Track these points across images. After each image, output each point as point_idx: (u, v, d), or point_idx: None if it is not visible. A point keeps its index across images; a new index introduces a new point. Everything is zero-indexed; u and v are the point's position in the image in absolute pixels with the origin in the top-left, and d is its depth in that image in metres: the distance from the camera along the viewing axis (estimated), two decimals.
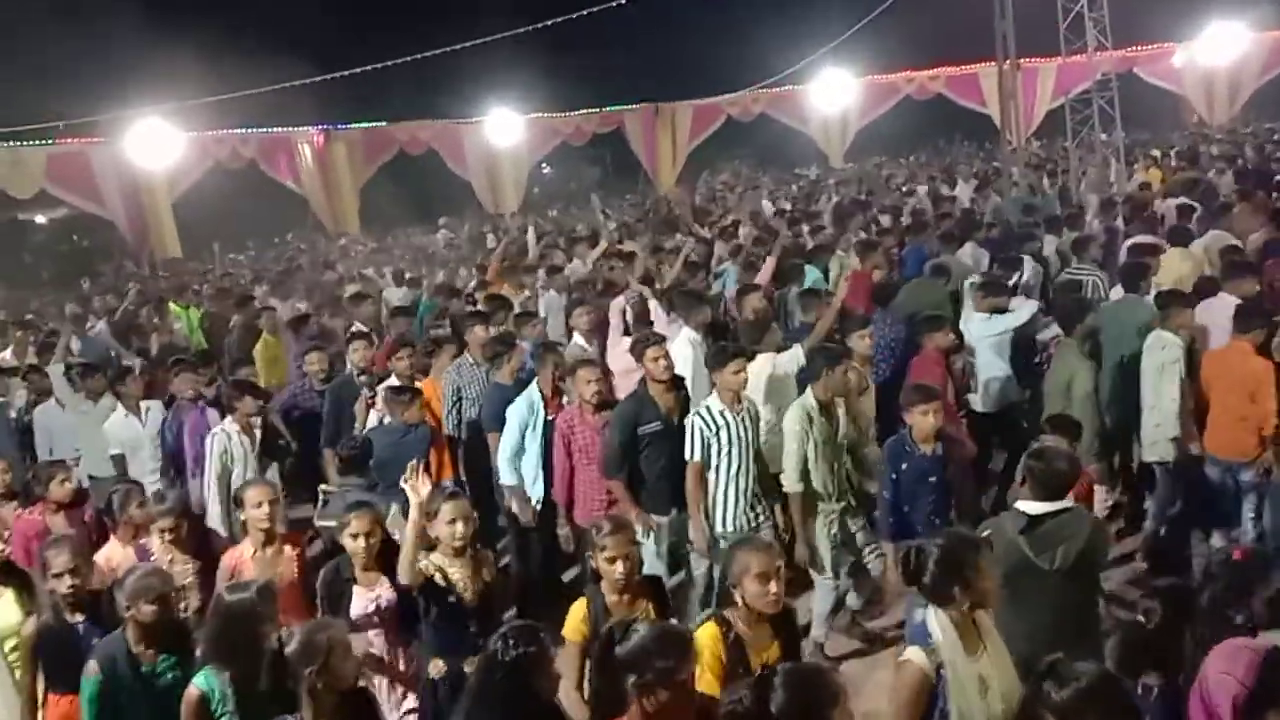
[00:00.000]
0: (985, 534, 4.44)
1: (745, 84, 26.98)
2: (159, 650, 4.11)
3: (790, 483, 5.68)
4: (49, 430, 8.37)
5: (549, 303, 10.34)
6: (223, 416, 7.38)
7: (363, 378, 7.88)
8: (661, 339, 6.35)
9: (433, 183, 26.82)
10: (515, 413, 6.60)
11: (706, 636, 3.59)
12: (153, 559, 5.10)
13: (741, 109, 27.30)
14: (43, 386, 8.87)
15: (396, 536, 5.55)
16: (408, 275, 13.44)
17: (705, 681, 3.43)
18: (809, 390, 5.88)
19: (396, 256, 16.71)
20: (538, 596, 6.45)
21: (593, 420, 6.21)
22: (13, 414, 9.04)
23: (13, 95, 19.22)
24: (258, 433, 7.21)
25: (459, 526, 4.48)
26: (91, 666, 4.00)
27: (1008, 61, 16.81)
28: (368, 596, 4.68)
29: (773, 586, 3.66)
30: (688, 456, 5.79)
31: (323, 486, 6.82)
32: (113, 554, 5.31)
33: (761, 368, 6.73)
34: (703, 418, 5.78)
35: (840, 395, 5.94)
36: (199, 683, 3.79)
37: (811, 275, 9.88)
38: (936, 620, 3.34)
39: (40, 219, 30.13)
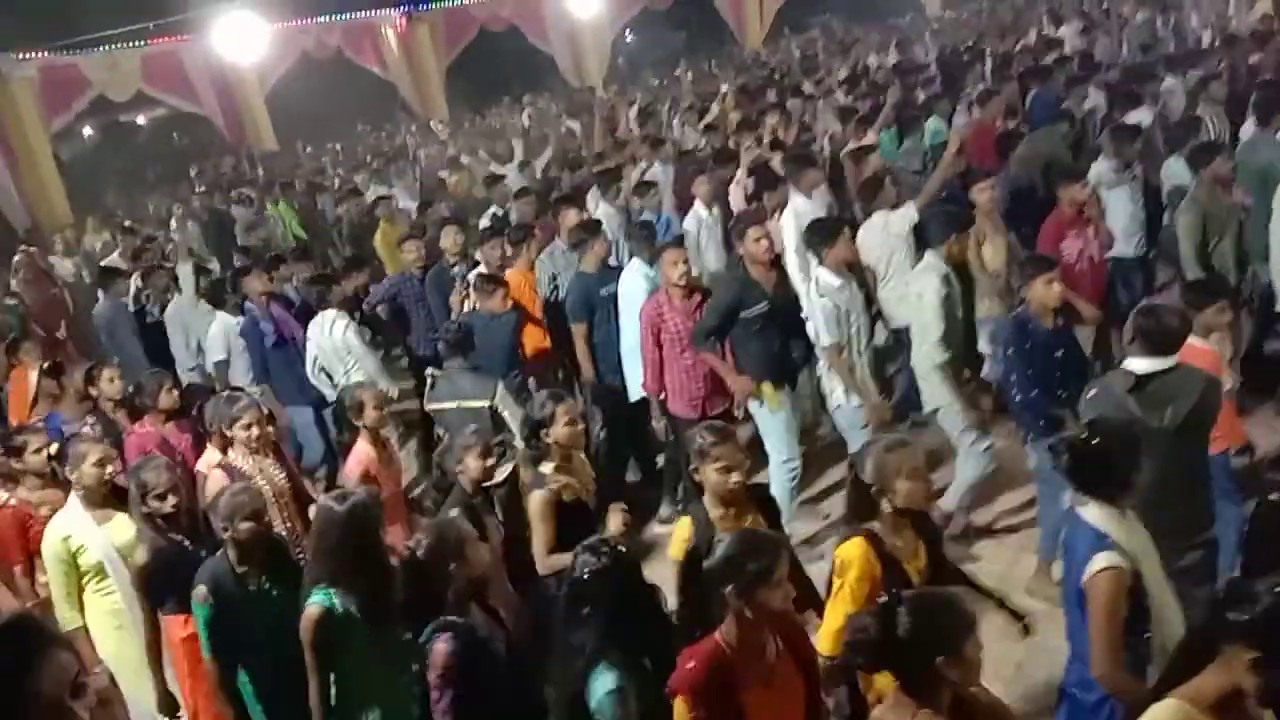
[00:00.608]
0: (1092, 393, 4.42)
1: None
2: (263, 568, 4.04)
3: (940, 353, 5.53)
4: (186, 327, 8.60)
5: (655, 176, 10.24)
6: (308, 316, 7.49)
7: (455, 267, 7.97)
8: (762, 218, 6.27)
9: (517, 60, 26.49)
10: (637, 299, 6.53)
11: (856, 553, 3.44)
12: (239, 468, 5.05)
13: None
14: (162, 284, 9.13)
15: (506, 415, 5.82)
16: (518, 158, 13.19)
17: (857, 602, 3.33)
18: (934, 253, 5.74)
19: (491, 135, 16.57)
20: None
21: (681, 305, 6.11)
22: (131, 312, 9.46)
23: (102, 4, 19.51)
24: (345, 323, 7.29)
25: (578, 426, 4.42)
26: (201, 592, 3.94)
27: None
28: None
29: (927, 480, 3.59)
30: (822, 339, 5.73)
31: (430, 370, 7.04)
32: (210, 461, 5.31)
33: (875, 226, 6.69)
34: (824, 294, 5.70)
35: (963, 259, 5.84)
36: (320, 599, 3.60)
37: (934, 128, 9.65)
38: (1105, 519, 3.28)
39: (140, 120, 30.85)
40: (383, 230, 10.41)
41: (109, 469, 4.78)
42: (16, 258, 11.90)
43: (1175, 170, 7.29)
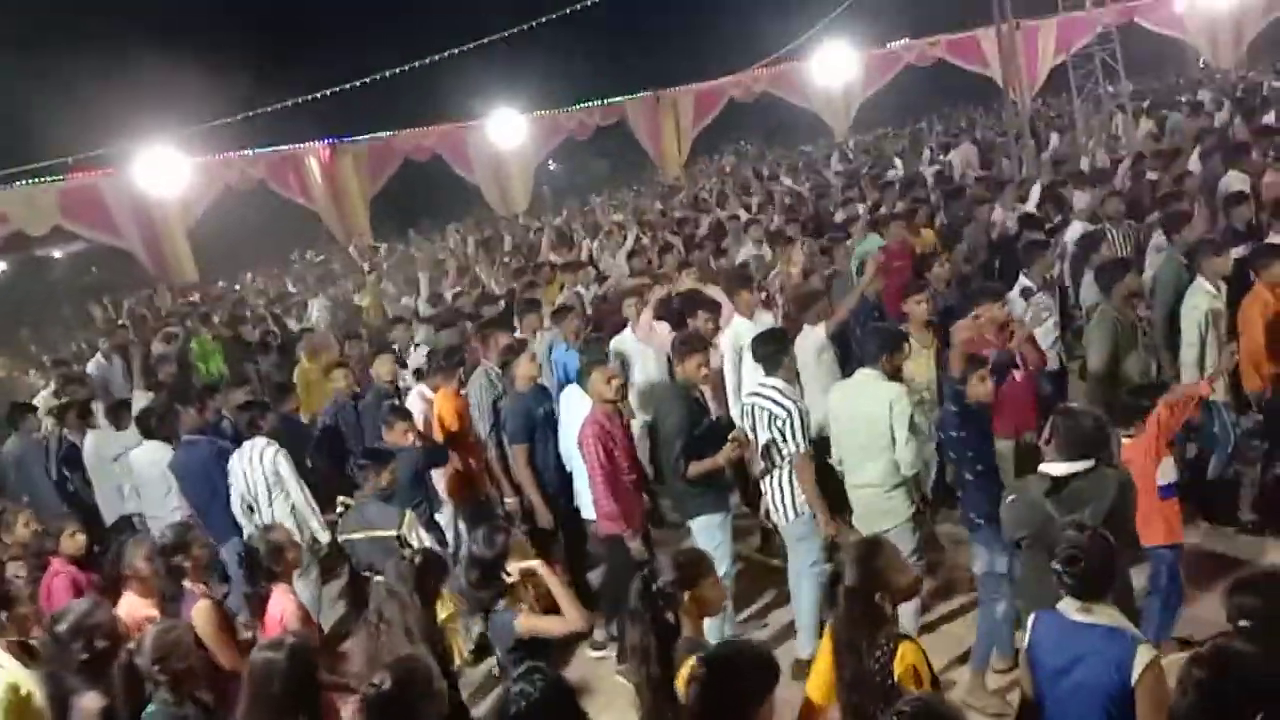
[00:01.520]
0: (1011, 498, 4.51)
1: (745, 65, 26.91)
2: (194, 703, 3.96)
3: (908, 467, 5.57)
4: (92, 462, 8.46)
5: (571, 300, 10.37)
6: (237, 444, 7.30)
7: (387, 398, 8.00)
8: (704, 345, 6.30)
9: (442, 188, 26.92)
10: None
11: (917, 657, 3.37)
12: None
13: (743, 90, 27.19)
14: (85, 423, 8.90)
15: (414, 540, 5.72)
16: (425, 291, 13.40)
17: None
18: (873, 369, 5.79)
19: (406, 263, 16.72)
20: None
21: (617, 422, 6.21)
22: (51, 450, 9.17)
23: (20, 134, 19.44)
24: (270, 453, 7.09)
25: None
26: None
27: (1005, 23, 16.70)
28: None
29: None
30: (795, 447, 5.75)
31: (340, 499, 6.88)
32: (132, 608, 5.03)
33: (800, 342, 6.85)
34: (793, 400, 5.84)
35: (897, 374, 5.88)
36: None
37: (860, 249, 9.91)
38: (1119, 619, 3.33)
39: (56, 254, 30.45)
40: (303, 366, 10.32)
41: None
42: None
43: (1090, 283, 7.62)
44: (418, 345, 9.89)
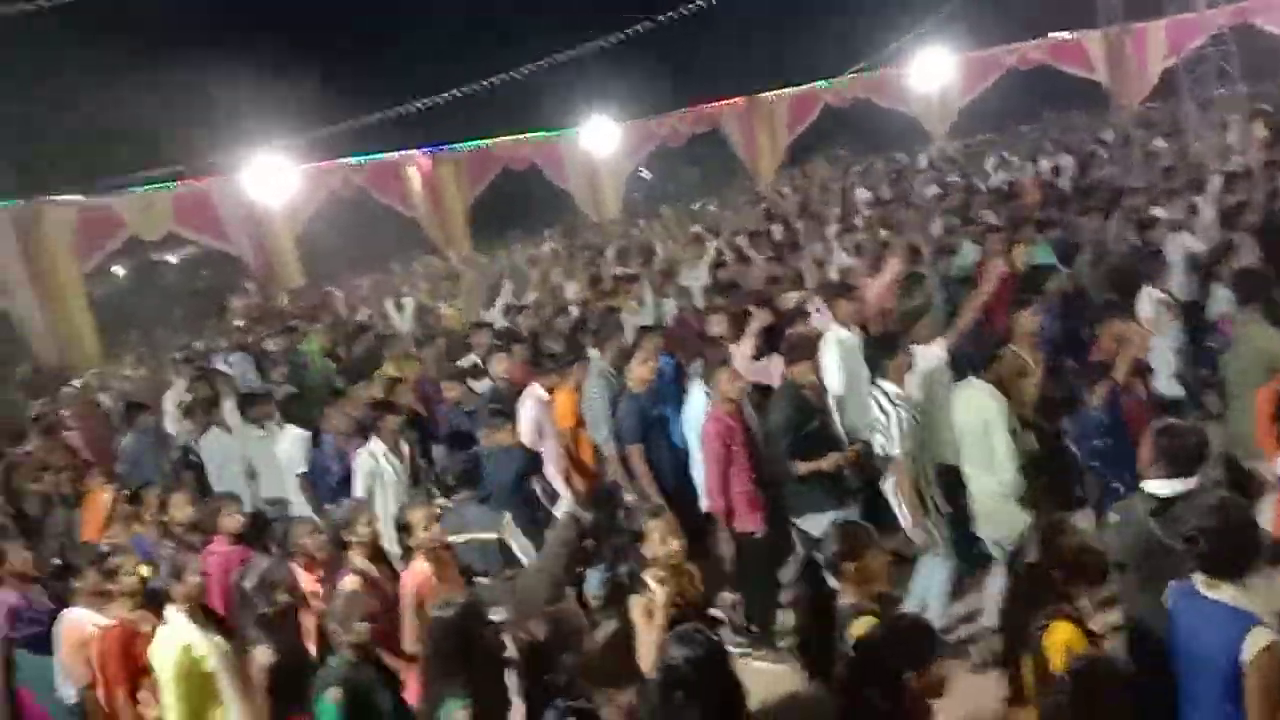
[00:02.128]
0: (1115, 518, 4.40)
1: (840, 70, 26.68)
2: (376, 667, 4.34)
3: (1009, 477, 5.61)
4: (217, 457, 8.77)
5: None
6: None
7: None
8: (814, 350, 6.49)
9: (536, 195, 27.25)
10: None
11: (1071, 634, 3.51)
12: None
13: (839, 96, 26.98)
14: (210, 420, 9.23)
15: (514, 547, 5.83)
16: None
17: None
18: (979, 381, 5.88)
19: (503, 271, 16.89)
20: None
21: (740, 419, 6.32)
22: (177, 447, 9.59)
23: (135, 143, 20.28)
24: (405, 449, 7.41)
25: (674, 543, 4.40)
26: (334, 693, 4.12)
27: (1113, 26, 16.26)
28: None
29: None
30: (891, 449, 5.85)
31: (438, 501, 7.03)
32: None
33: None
34: (898, 405, 5.89)
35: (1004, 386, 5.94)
36: (462, 705, 3.78)
37: (959, 262, 9.80)
38: (1243, 598, 3.34)
39: (171, 259, 31.65)
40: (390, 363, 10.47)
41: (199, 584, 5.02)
42: (66, 390, 12.37)
43: (1222, 297, 7.29)
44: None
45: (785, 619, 6.22)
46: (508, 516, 6.02)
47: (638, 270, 12.66)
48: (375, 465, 7.23)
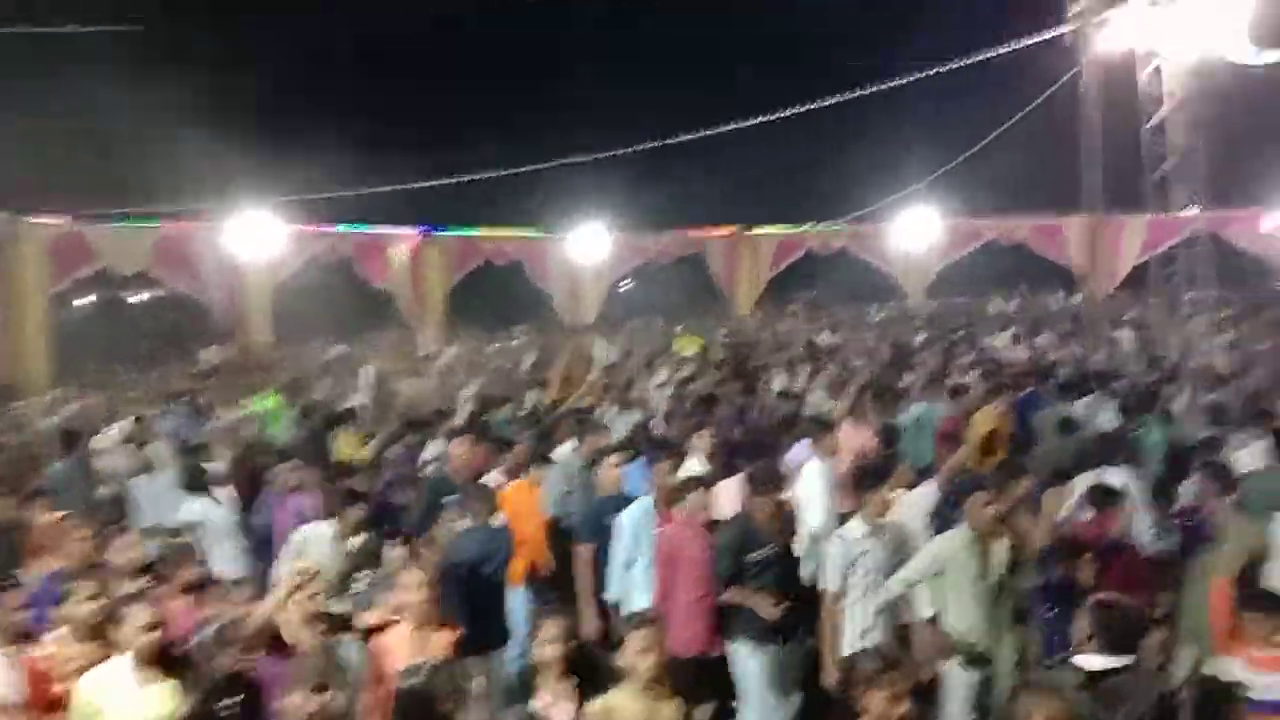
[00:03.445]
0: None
1: (825, 217, 27.35)
2: None
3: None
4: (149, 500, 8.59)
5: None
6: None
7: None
8: (779, 485, 6.43)
9: (517, 291, 27.40)
10: (630, 520, 6.65)
11: None
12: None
13: (822, 243, 27.61)
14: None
15: None
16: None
17: None
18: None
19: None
20: None
21: (703, 539, 6.21)
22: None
23: (125, 178, 20.27)
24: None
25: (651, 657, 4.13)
26: None
27: (1093, 215, 16.87)
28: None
29: None
30: (825, 584, 5.89)
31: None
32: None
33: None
34: (844, 540, 5.92)
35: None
36: None
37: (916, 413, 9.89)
38: None
39: (142, 297, 31.34)
40: (343, 438, 10.38)
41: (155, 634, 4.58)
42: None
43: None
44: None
45: None
46: None
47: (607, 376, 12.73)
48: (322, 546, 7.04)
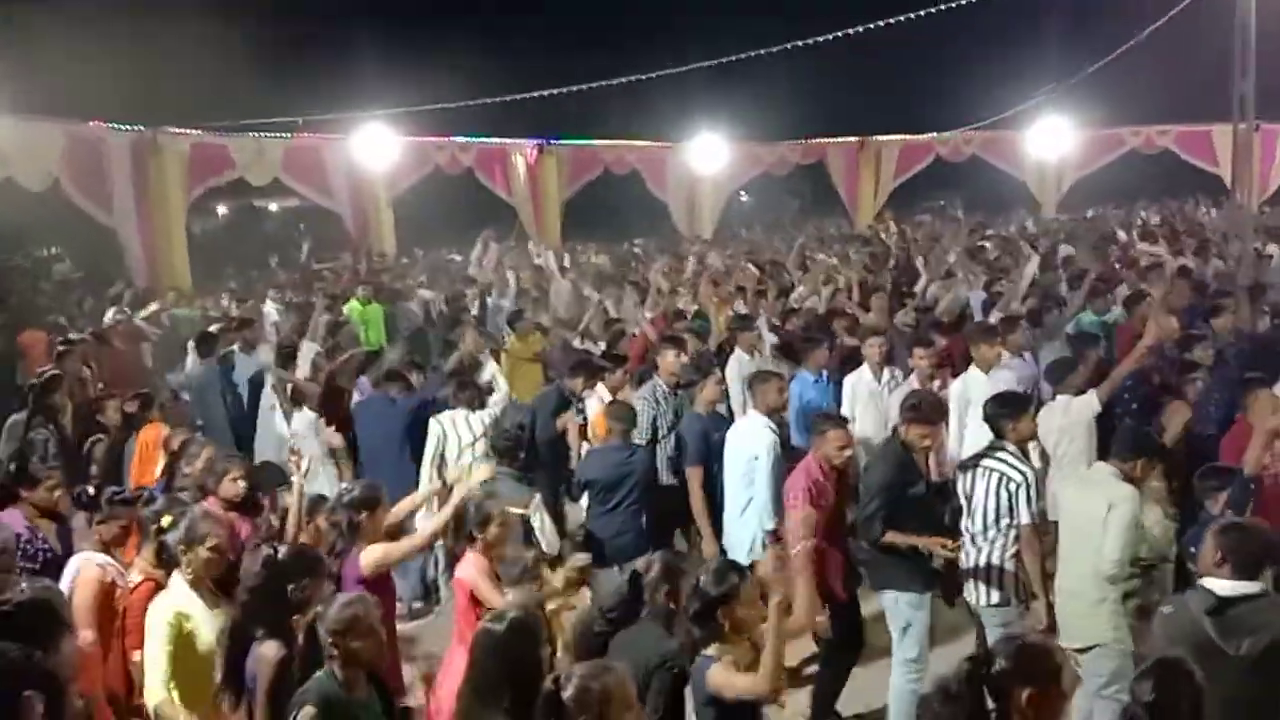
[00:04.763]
0: (1168, 610, 4.24)
1: (956, 124, 26.32)
2: (367, 682, 3.85)
3: (1111, 566, 5.08)
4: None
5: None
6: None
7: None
8: (940, 416, 5.98)
9: (635, 200, 27.38)
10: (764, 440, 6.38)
11: None
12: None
13: (952, 149, 26.64)
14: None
15: (535, 526, 5.85)
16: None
17: None
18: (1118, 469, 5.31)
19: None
20: None
21: (832, 484, 5.80)
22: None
23: (258, 92, 20.88)
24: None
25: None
26: (308, 713, 3.62)
27: (1244, 123, 15.76)
28: None
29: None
30: (1028, 518, 5.37)
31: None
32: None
33: (1055, 409, 6.55)
34: (1024, 467, 5.46)
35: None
36: None
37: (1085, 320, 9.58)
38: None
39: (273, 207, 32.49)
40: (512, 346, 10.42)
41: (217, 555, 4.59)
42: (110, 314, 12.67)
43: None
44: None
45: None
46: (538, 497, 6.08)
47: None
48: (441, 432, 7.24)
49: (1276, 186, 24.42)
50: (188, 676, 4.40)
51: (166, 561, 4.70)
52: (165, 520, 4.85)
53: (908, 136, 26.65)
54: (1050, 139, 25.14)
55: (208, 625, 4.46)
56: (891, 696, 5.60)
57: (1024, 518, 5.38)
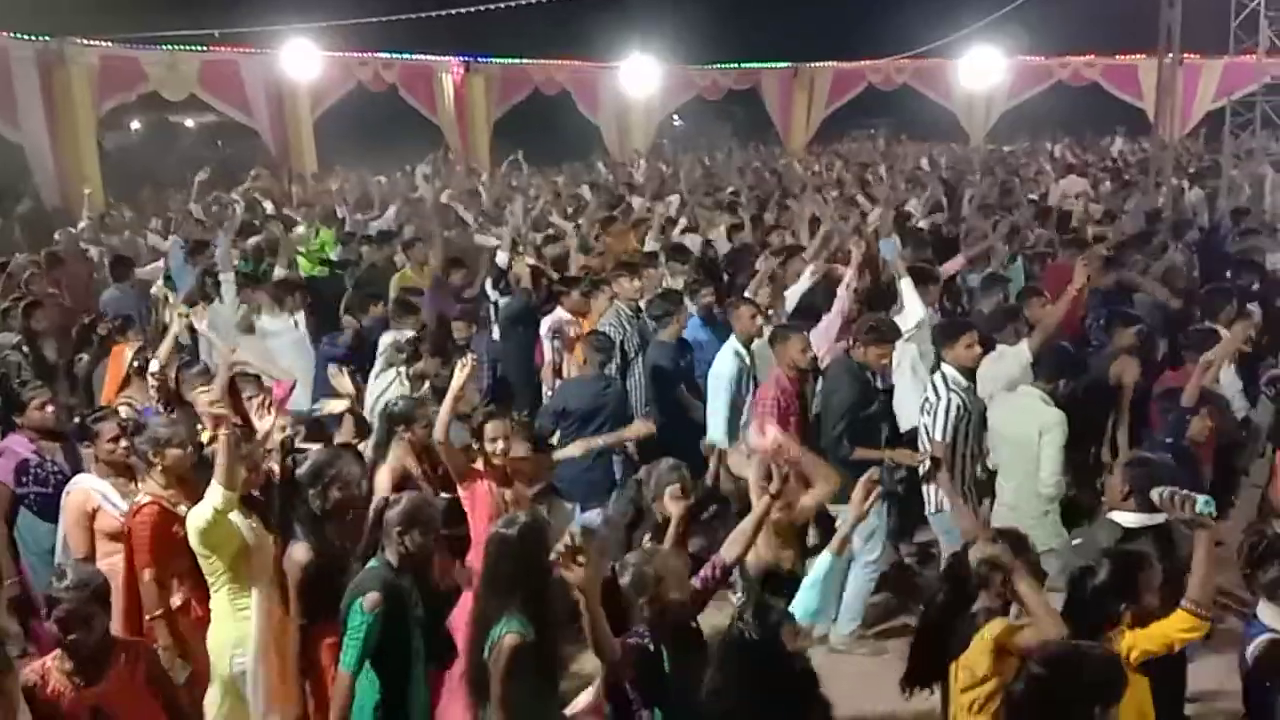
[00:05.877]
0: (1076, 541, 4.39)
1: (889, 52, 26.29)
2: (423, 581, 4.06)
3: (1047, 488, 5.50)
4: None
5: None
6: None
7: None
8: (894, 336, 6.17)
9: (565, 122, 26.90)
10: (729, 365, 6.54)
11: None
12: None
13: (884, 77, 26.65)
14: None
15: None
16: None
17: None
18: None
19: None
20: None
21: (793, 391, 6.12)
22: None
23: (170, 2, 19.97)
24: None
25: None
26: (373, 598, 3.82)
27: (1169, 55, 15.93)
28: None
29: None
30: (936, 435, 5.59)
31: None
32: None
33: (991, 357, 6.54)
34: (953, 390, 5.68)
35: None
36: (516, 629, 3.58)
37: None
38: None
39: (189, 123, 31.31)
40: (402, 275, 10.28)
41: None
42: (58, 235, 12.15)
43: None
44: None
45: None
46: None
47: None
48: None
49: (1197, 120, 24.90)
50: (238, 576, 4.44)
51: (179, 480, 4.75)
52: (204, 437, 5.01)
53: (841, 64, 26.57)
54: (979, 69, 25.28)
55: (247, 529, 4.47)
56: (850, 588, 5.85)
57: (936, 435, 5.61)
